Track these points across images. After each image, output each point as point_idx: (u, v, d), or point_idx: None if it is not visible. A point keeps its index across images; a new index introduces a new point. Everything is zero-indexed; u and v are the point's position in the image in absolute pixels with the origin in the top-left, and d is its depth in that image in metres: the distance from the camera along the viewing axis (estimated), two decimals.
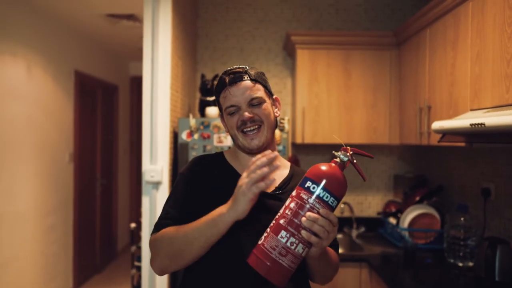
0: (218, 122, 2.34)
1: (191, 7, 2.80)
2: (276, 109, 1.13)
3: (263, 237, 0.85)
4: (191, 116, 2.33)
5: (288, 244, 0.82)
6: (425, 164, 2.78)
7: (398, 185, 2.89)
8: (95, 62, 4.12)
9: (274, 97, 1.14)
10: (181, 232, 0.95)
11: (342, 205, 2.80)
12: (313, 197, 0.84)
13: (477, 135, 1.55)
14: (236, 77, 1.05)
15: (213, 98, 2.57)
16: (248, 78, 1.05)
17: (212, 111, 2.46)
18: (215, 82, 2.63)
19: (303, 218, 0.82)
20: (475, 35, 1.59)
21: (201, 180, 1.06)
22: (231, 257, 0.96)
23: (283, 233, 0.82)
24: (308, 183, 0.85)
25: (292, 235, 0.82)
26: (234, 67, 1.08)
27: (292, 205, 0.84)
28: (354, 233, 2.73)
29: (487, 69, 1.50)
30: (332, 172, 0.86)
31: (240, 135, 1.05)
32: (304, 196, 0.84)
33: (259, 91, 1.06)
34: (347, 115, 2.57)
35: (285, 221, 0.83)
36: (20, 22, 2.83)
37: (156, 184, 2.17)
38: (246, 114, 1.03)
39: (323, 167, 0.87)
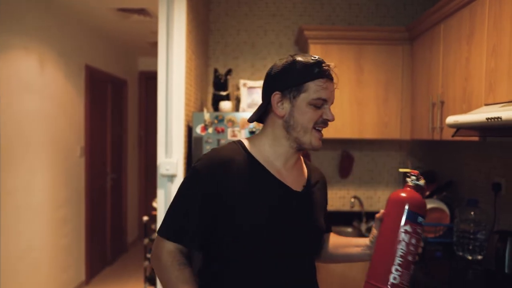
0: (232, 116, 2.36)
1: (204, 1, 2.82)
2: None
3: (397, 276, 0.92)
4: (205, 110, 2.36)
5: (411, 271, 0.96)
6: (434, 160, 2.80)
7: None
8: (105, 56, 4.15)
9: None
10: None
11: (352, 199, 2.83)
12: (421, 227, 0.97)
13: (492, 129, 1.56)
14: (332, 75, 1.00)
15: (226, 92, 2.59)
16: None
17: (226, 105, 2.48)
18: (228, 77, 2.66)
19: (419, 248, 0.97)
20: (492, 28, 1.60)
21: (222, 181, 0.94)
22: (261, 251, 0.96)
23: (412, 266, 0.95)
24: (420, 219, 0.96)
25: (414, 263, 0.97)
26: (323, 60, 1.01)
27: (413, 241, 0.95)
28: (364, 226, 2.76)
29: (503, 63, 1.51)
30: (423, 201, 0.99)
31: (314, 132, 0.98)
32: (419, 231, 0.96)
33: None
34: (358, 110, 2.59)
35: (412, 257, 0.95)
36: (33, 16, 2.86)
37: (171, 177, 2.20)
38: (331, 116, 0.99)
39: (421, 199, 0.98)
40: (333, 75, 0.99)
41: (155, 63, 2.24)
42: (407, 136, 2.59)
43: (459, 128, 1.69)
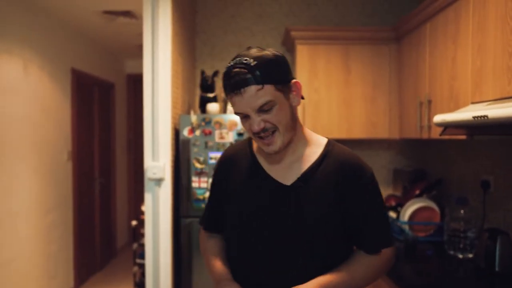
0: (220, 118, 2.34)
1: (190, 2, 2.79)
2: (295, 98, 0.97)
3: None
4: (192, 112, 2.33)
5: None
6: (424, 158, 2.81)
7: (397, 179, 2.91)
8: (91, 59, 4.09)
9: (292, 82, 0.96)
10: (207, 263, 1.13)
11: None
12: None
13: (479, 128, 1.56)
14: (239, 83, 0.88)
15: (213, 94, 2.57)
16: (254, 82, 0.88)
17: (213, 107, 2.45)
18: (216, 79, 2.63)
19: None
20: (476, 29, 1.60)
21: (227, 175, 1.09)
22: (250, 245, 1.02)
23: None
24: None
25: None
26: (236, 62, 0.90)
27: None
28: None
29: (488, 62, 1.51)
30: None
31: (256, 140, 0.97)
32: None
33: (268, 95, 0.90)
34: (346, 110, 2.58)
35: None
36: (16, 20, 2.80)
37: (159, 181, 2.17)
38: (256, 127, 0.92)
39: None
40: (232, 84, 0.89)
41: (143, 66, 2.21)
42: (396, 135, 2.58)
43: (447, 126, 1.69)
